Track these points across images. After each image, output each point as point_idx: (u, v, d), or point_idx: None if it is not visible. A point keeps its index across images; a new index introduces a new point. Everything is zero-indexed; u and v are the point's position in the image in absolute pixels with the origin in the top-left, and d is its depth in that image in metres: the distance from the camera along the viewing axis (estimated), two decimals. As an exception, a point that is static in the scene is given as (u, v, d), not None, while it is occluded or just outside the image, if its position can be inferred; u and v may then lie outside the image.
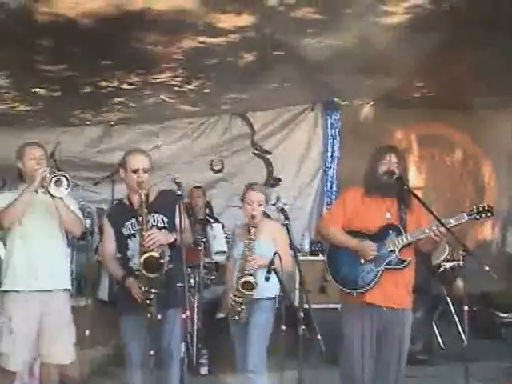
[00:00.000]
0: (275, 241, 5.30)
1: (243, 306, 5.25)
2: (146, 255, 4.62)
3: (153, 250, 4.64)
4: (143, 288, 4.73)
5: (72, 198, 5.25)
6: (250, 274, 5.17)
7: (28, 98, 7.77)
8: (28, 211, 5.00)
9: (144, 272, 4.61)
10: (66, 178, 4.81)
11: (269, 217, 6.24)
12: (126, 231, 5.00)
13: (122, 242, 5.03)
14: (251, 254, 5.21)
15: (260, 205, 5.37)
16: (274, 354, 5.12)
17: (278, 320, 5.01)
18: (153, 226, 4.87)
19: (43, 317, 5.05)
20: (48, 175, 4.83)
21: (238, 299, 5.25)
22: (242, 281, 5.17)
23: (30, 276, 5.03)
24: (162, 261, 4.61)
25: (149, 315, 4.66)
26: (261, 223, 5.37)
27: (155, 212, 4.96)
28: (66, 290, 5.23)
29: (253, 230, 5.23)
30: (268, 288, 5.15)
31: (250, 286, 5.15)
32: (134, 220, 4.92)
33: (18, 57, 6.18)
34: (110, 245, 5.11)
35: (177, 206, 4.87)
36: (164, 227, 4.97)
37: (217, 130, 9.62)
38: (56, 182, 4.79)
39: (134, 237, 4.93)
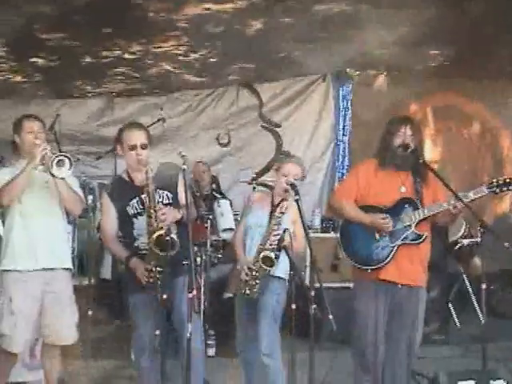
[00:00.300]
0: (294, 221, 5.24)
1: (257, 281, 5.18)
2: (157, 233, 4.62)
3: (162, 228, 4.65)
4: (150, 267, 4.75)
5: (73, 176, 5.23)
6: (272, 250, 5.10)
7: (25, 68, 7.76)
8: (27, 189, 4.98)
9: (157, 251, 4.61)
10: (69, 159, 4.79)
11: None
12: (131, 210, 4.96)
13: (126, 222, 5.00)
14: (278, 229, 5.13)
15: (295, 179, 5.28)
16: (283, 334, 5.12)
17: (288, 299, 5.00)
18: (158, 202, 4.85)
19: (44, 296, 5.03)
20: (49, 154, 4.82)
21: (254, 273, 5.17)
22: (262, 255, 5.09)
23: (30, 255, 5.01)
24: (174, 238, 4.61)
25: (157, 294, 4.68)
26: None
27: (158, 188, 4.91)
28: (67, 268, 5.20)
29: (285, 203, 5.14)
30: (278, 267, 5.12)
31: (269, 261, 5.06)
32: (137, 198, 4.90)
33: (16, 24, 6.15)
34: (111, 224, 5.07)
35: (180, 180, 4.86)
36: (169, 203, 4.95)
37: (223, 101, 9.62)
38: (58, 162, 4.77)
39: (141, 215, 4.90)
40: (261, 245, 5.17)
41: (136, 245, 4.96)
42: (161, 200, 4.91)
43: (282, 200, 5.19)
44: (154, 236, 4.64)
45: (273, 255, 5.06)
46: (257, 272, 5.15)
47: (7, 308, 4.96)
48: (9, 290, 4.99)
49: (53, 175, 4.80)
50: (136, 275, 4.83)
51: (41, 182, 5.05)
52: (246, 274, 5.18)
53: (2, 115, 8.88)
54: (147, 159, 4.87)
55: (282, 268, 5.10)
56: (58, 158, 4.75)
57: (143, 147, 4.93)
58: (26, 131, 5.11)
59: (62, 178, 4.86)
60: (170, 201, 4.97)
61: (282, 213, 5.15)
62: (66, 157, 4.79)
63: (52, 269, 5.06)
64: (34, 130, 5.10)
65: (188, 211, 4.64)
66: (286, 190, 5.19)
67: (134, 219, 4.97)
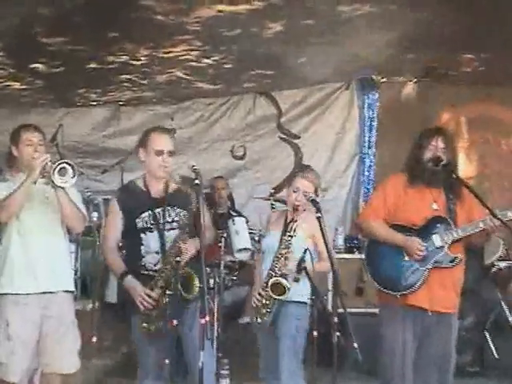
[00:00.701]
0: (314, 238, 5.22)
1: (268, 309, 5.18)
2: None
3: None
4: (153, 294, 4.75)
5: (75, 190, 5.24)
6: (283, 275, 5.07)
7: (25, 74, 7.80)
8: (26, 204, 4.97)
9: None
10: (72, 166, 4.80)
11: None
12: (140, 223, 4.92)
13: (133, 235, 4.97)
14: (288, 252, 5.11)
15: (306, 195, 5.25)
16: (305, 363, 5.09)
17: (309, 326, 4.98)
18: (173, 221, 4.87)
19: (44, 321, 5.02)
20: (49, 163, 4.82)
21: (264, 301, 5.18)
22: (271, 281, 5.07)
23: (29, 276, 5.00)
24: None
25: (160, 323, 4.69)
26: (301, 216, 5.28)
27: (174, 205, 4.92)
28: (68, 291, 5.19)
29: (294, 224, 5.12)
30: (297, 291, 5.09)
31: (280, 289, 5.03)
32: (150, 212, 4.89)
33: (15, 27, 6.18)
34: (115, 233, 5.04)
35: (200, 199, 4.84)
36: (186, 224, 4.87)
37: (238, 111, 9.63)
38: (60, 170, 4.77)
39: (150, 232, 4.89)
40: (270, 270, 5.15)
41: (142, 263, 4.93)
42: (177, 219, 4.89)
43: (291, 220, 5.18)
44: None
45: (284, 281, 5.03)
46: (267, 300, 5.14)
47: (4, 333, 4.95)
48: (6, 314, 4.98)
49: (54, 184, 4.79)
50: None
51: (41, 197, 5.05)
52: (257, 300, 5.19)
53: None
54: (171, 169, 4.86)
55: (302, 292, 5.07)
56: (60, 166, 4.75)
57: (170, 155, 4.92)
58: (24, 143, 5.10)
59: (64, 188, 4.85)
60: (186, 221, 4.88)
61: (291, 236, 5.12)
62: (69, 164, 4.79)
63: (52, 292, 5.04)
64: (33, 142, 5.10)
65: (202, 232, 4.56)
66: (296, 208, 5.19)
67: (143, 234, 4.93)
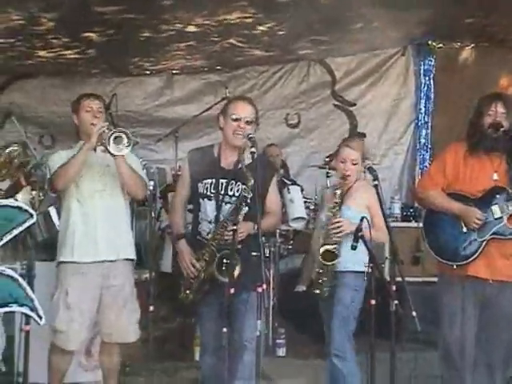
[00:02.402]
0: (370, 208, 5.23)
1: (324, 279, 5.22)
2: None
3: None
4: (197, 264, 4.83)
5: (136, 157, 5.31)
6: (334, 243, 5.14)
7: (79, 43, 7.85)
8: (85, 172, 5.06)
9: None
10: (127, 135, 4.86)
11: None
12: (201, 188, 4.96)
13: (195, 199, 5.04)
14: (336, 220, 5.17)
15: (354, 164, 5.26)
16: (361, 333, 5.10)
17: (366, 294, 4.98)
18: (233, 195, 4.87)
19: (104, 291, 5.09)
20: (106, 131, 4.88)
21: (319, 270, 5.23)
22: (322, 250, 5.14)
23: (90, 245, 5.07)
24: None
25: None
26: (354, 186, 5.31)
27: (239, 180, 4.88)
28: (128, 259, 5.25)
29: (338, 191, 5.21)
30: (354, 260, 5.10)
31: (329, 255, 5.10)
32: (214, 180, 4.90)
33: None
34: (180, 192, 5.16)
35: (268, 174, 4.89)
36: (244, 199, 4.80)
37: (293, 78, 9.59)
38: (115, 139, 4.83)
39: (209, 199, 4.91)
40: (322, 239, 5.22)
41: (199, 229, 4.99)
42: (237, 195, 4.86)
43: (338, 188, 5.25)
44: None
45: (332, 248, 5.11)
46: (321, 269, 5.18)
47: (63, 302, 5.02)
48: (65, 283, 5.06)
49: (110, 153, 4.86)
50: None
51: (101, 165, 5.13)
52: (316, 272, 5.25)
53: (53, 95, 9.08)
54: (246, 136, 4.79)
55: (359, 260, 5.07)
56: (114, 135, 4.82)
57: (248, 123, 4.89)
58: (83, 110, 5.20)
59: (121, 156, 4.92)
60: (248, 196, 4.77)
61: (336, 202, 5.20)
62: (124, 133, 4.85)
63: (112, 260, 5.11)
64: (92, 109, 5.19)
65: (258, 199, 4.58)
66: (345, 178, 5.24)
67: (201, 200, 4.96)
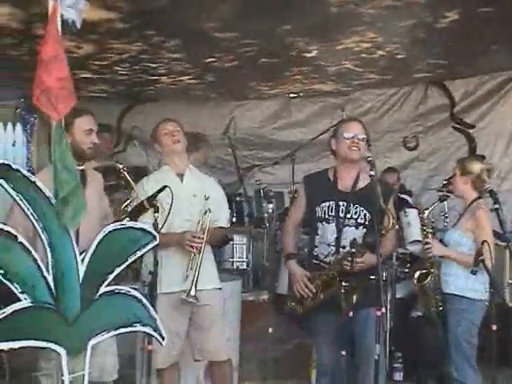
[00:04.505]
0: (479, 230, 5.20)
1: (433, 301, 5.26)
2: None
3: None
4: (315, 283, 4.88)
5: (218, 185, 5.55)
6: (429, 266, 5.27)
7: (199, 69, 8.06)
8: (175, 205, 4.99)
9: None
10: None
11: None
12: (319, 212, 5.02)
13: (311, 223, 5.11)
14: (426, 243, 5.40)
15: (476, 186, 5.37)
16: (482, 361, 5.04)
17: (485, 320, 4.93)
18: (352, 218, 4.92)
19: (192, 316, 5.25)
20: None
21: (435, 295, 5.25)
22: (417, 274, 5.35)
23: (178, 275, 5.19)
24: None
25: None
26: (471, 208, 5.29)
27: (357, 203, 4.95)
28: (215, 288, 5.36)
29: (426, 213, 5.52)
30: (471, 286, 5.07)
31: (423, 277, 5.26)
32: (333, 203, 4.96)
33: (191, 24, 6.40)
34: (294, 214, 5.25)
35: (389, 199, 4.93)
36: (363, 224, 4.95)
37: (410, 101, 9.59)
38: None
39: (328, 223, 4.97)
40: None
41: (315, 253, 5.05)
42: (355, 217, 4.93)
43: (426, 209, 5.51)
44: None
45: (425, 270, 5.28)
46: (436, 294, 5.23)
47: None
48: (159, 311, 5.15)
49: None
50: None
51: (188, 195, 5.29)
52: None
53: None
54: (365, 158, 4.83)
55: (475, 287, 5.04)
56: None
57: (361, 139, 4.96)
58: (161, 133, 5.36)
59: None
60: (366, 222, 4.93)
61: (423, 225, 5.44)
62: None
63: (200, 290, 5.11)
64: (169, 130, 5.34)
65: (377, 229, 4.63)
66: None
67: (319, 224, 5.02)
